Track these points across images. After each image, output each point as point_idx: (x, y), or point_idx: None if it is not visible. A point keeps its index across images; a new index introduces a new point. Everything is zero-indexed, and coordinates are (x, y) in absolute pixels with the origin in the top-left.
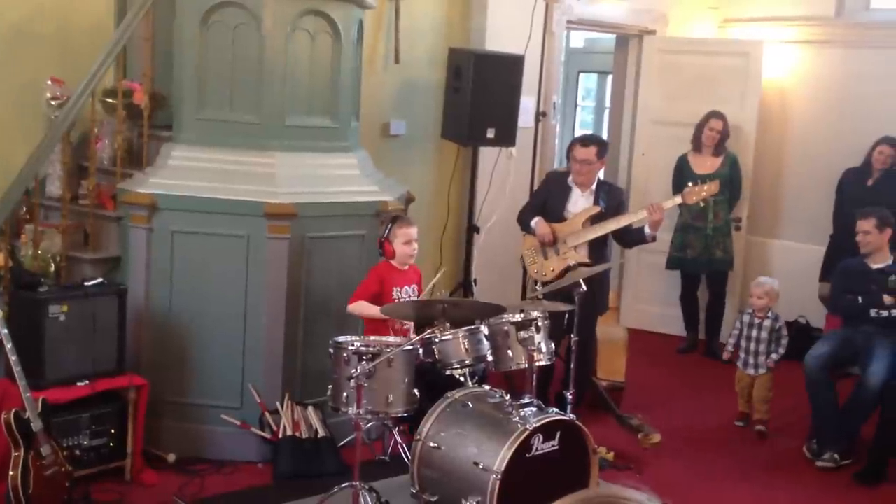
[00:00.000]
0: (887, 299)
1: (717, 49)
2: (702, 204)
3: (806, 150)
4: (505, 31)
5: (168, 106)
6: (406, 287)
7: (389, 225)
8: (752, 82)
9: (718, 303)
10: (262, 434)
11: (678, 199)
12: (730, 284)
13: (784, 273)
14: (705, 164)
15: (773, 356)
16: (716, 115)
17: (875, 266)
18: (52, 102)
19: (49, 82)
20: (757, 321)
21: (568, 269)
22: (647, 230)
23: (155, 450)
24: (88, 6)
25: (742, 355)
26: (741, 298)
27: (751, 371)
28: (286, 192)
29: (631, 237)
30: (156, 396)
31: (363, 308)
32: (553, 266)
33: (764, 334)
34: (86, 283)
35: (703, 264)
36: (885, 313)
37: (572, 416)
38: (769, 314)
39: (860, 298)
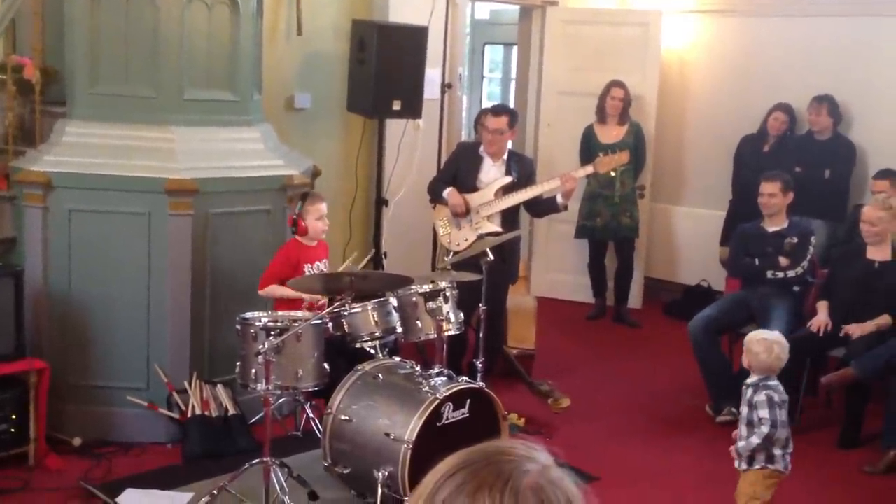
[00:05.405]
0: (783, 261)
1: (617, 19)
2: (613, 173)
3: (705, 118)
4: (408, 2)
5: (61, 80)
6: (317, 262)
7: (301, 202)
8: (652, 52)
9: (626, 270)
10: (170, 414)
11: (590, 169)
12: (635, 251)
13: (686, 238)
14: (611, 133)
15: (741, 444)
16: (616, 83)
17: (771, 229)
18: None
19: None
20: (748, 393)
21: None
22: (559, 199)
23: (59, 434)
24: None
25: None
26: (646, 265)
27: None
28: (187, 168)
29: (543, 207)
30: (58, 380)
31: (275, 291)
32: (467, 236)
33: (744, 410)
34: None
35: (611, 232)
36: (780, 274)
37: (482, 384)
38: (764, 381)
39: (757, 261)
